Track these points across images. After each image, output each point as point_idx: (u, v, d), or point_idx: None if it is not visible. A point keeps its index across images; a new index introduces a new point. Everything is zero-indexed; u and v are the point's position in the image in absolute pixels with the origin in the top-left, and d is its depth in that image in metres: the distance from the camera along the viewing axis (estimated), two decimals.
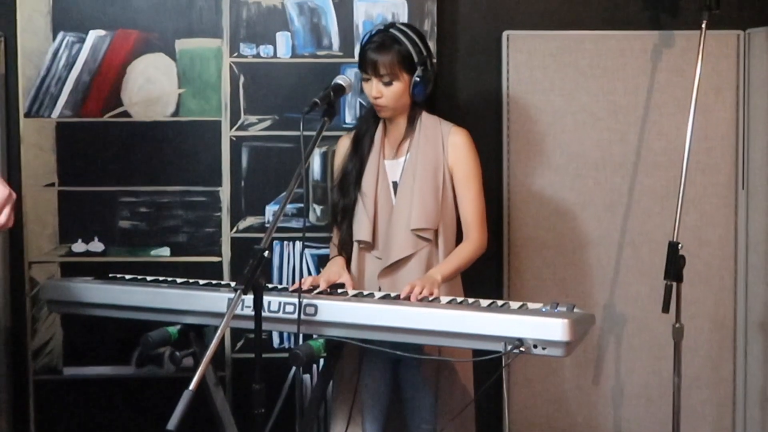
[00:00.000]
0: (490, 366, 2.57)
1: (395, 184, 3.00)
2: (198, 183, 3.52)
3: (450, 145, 2.99)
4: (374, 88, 2.90)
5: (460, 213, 3.02)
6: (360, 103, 3.52)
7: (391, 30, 2.94)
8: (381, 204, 2.99)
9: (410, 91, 2.94)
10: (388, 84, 2.89)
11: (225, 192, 3.53)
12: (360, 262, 3.01)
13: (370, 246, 2.99)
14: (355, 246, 3.02)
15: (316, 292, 2.78)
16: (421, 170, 2.96)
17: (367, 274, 2.99)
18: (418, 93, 2.94)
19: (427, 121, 3.01)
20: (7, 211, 2.15)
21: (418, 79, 2.92)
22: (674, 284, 3.14)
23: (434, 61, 3.05)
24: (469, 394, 3.00)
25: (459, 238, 3.03)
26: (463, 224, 3.02)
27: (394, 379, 3.04)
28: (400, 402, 3.06)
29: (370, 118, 3.08)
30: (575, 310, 2.50)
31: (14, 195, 2.19)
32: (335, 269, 2.99)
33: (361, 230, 2.99)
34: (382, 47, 2.89)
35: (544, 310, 2.52)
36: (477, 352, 2.57)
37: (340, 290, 2.81)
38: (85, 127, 3.45)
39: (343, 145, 3.13)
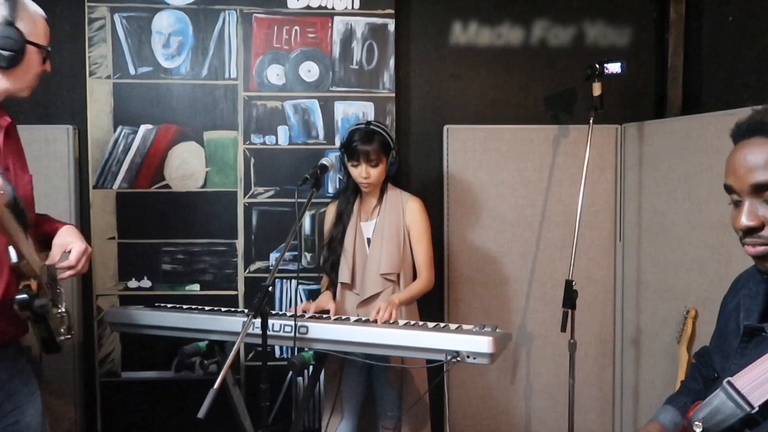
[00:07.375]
0: (435, 371, 2.64)
1: (369, 240, 3.05)
2: (220, 237, 3.54)
3: (407, 210, 3.05)
4: (364, 171, 2.95)
5: (414, 259, 3.08)
6: (339, 178, 3.53)
7: (371, 126, 3.00)
8: (358, 255, 3.04)
9: (387, 169, 3.02)
10: (375, 166, 2.95)
11: (240, 243, 3.55)
12: (343, 297, 3.06)
13: (350, 286, 3.04)
14: (339, 286, 3.06)
15: (307, 315, 2.83)
16: (387, 229, 3.02)
17: (348, 306, 3.05)
18: (392, 170, 3.03)
19: (391, 192, 3.08)
20: (83, 261, 2.17)
21: (392, 160, 3.00)
22: (569, 311, 3.21)
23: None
24: (423, 391, 3.06)
25: (415, 278, 3.08)
26: (416, 267, 3.07)
27: (367, 381, 3.10)
28: (372, 397, 3.13)
29: (350, 193, 3.12)
30: (497, 330, 2.59)
31: (90, 249, 2.22)
32: (324, 299, 3.02)
33: (344, 274, 3.03)
34: (369, 140, 2.94)
35: (474, 330, 2.59)
36: (426, 361, 2.66)
37: (325, 315, 2.88)
38: (138, 196, 3.49)
39: (330, 211, 3.17)
